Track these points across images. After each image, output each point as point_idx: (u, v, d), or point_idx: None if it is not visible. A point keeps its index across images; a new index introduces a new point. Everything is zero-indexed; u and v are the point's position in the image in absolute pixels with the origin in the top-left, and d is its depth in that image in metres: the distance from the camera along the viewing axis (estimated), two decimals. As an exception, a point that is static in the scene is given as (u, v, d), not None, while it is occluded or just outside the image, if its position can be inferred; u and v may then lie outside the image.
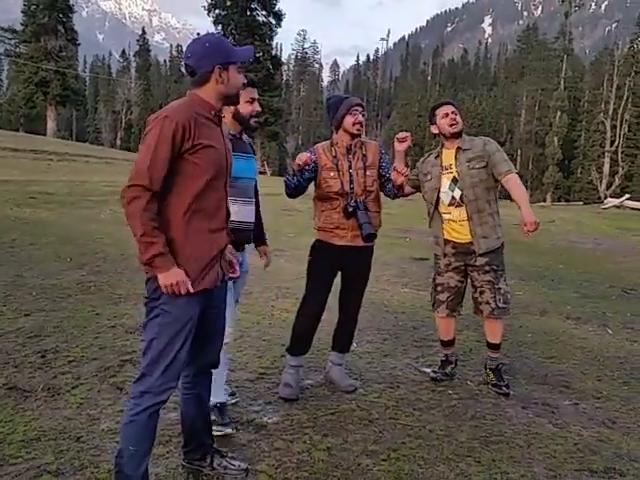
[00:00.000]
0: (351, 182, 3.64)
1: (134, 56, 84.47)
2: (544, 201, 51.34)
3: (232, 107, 3.23)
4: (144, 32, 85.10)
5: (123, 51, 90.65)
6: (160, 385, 2.33)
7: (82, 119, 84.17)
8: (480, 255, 3.92)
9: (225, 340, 3.17)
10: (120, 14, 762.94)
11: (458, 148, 3.96)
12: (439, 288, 4.12)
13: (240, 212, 3.06)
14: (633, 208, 27.50)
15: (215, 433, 2.93)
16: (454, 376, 4.21)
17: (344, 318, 3.89)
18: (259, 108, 3.22)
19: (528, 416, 3.62)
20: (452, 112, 3.95)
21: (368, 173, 3.70)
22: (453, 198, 3.94)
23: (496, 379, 4.03)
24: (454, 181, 3.93)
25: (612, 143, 54.87)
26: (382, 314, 5.80)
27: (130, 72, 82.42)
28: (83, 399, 3.37)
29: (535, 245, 11.60)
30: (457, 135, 3.97)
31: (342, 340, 3.92)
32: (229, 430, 3.11)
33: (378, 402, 3.67)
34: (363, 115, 3.76)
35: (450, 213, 3.97)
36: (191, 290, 2.28)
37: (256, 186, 3.36)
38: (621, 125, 54.71)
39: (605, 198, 38.49)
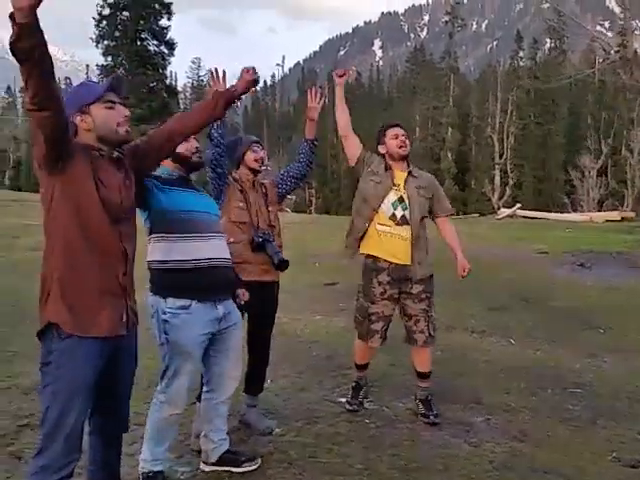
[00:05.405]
0: (257, 216, 3.62)
1: (20, 92, 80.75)
2: (443, 214, 53.17)
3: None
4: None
5: (8, 87, 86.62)
6: (61, 458, 2.13)
7: (-35, 159, 79.12)
8: (416, 282, 3.94)
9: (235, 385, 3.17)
10: (2, 48, 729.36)
11: (410, 173, 4.02)
12: (373, 317, 3.96)
13: (203, 249, 2.89)
14: (524, 217, 29.01)
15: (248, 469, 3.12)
16: (367, 398, 4.21)
17: (255, 360, 3.78)
18: (196, 143, 3.06)
19: (444, 437, 3.67)
20: (402, 134, 4.03)
21: (270, 209, 3.72)
22: (394, 215, 3.93)
23: (425, 409, 3.98)
24: (400, 200, 3.95)
25: (501, 155, 57.96)
26: (295, 345, 5.74)
27: (16, 108, 78.75)
28: (-24, 475, 3.07)
29: (437, 259, 11.97)
30: (404, 158, 4.04)
31: (255, 382, 3.81)
32: (259, 461, 3.22)
33: (296, 441, 3.59)
34: (262, 151, 3.77)
35: (390, 227, 3.93)
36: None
37: None
38: (507, 138, 57.91)
39: (499, 208, 40.38)
